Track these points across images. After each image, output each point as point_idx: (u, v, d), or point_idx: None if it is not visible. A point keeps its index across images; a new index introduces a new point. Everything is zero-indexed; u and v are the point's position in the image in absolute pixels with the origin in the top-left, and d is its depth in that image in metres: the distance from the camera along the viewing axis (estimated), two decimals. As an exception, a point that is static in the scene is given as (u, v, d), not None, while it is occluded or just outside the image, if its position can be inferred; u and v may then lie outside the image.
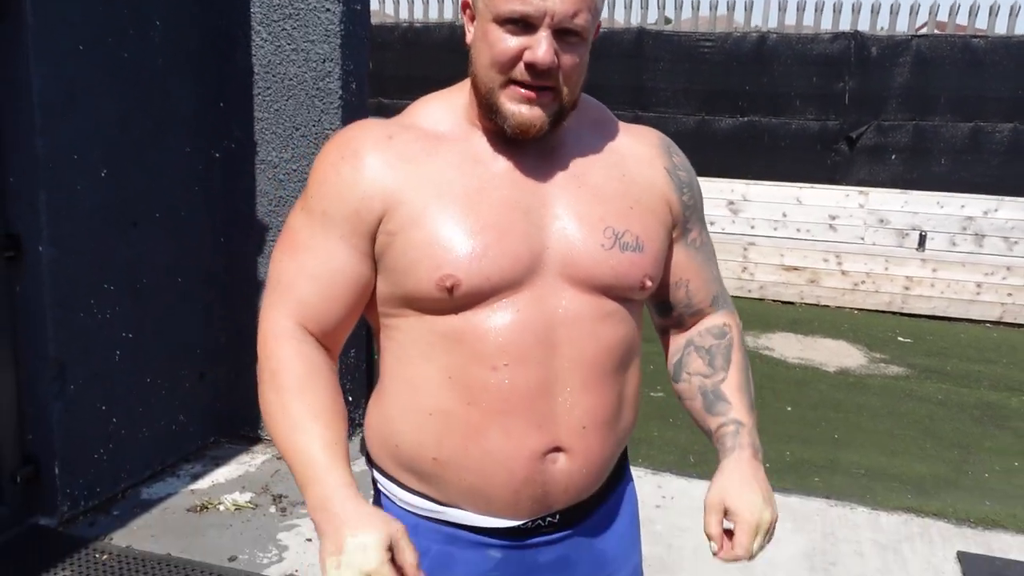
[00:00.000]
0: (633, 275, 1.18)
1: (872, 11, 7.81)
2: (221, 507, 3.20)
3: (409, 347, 1.18)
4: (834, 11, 7.85)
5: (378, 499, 1.29)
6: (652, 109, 8.10)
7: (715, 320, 1.35)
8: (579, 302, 1.16)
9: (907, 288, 6.89)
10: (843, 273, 7.01)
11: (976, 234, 7.21)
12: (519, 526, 1.20)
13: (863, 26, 7.87)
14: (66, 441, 3.01)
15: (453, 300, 1.12)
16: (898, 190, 7.44)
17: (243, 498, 3.27)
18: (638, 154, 1.25)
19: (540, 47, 1.07)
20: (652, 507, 3.36)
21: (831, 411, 4.60)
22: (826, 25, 7.95)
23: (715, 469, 1.24)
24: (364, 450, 1.32)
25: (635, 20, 8.74)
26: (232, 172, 3.64)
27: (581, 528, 1.26)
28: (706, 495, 1.22)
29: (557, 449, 1.17)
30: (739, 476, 1.20)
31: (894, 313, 6.89)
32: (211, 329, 3.72)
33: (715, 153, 7.93)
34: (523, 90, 1.10)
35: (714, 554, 1.20)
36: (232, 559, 2.85)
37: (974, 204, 7.24)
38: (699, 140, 8.00)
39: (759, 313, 6.67)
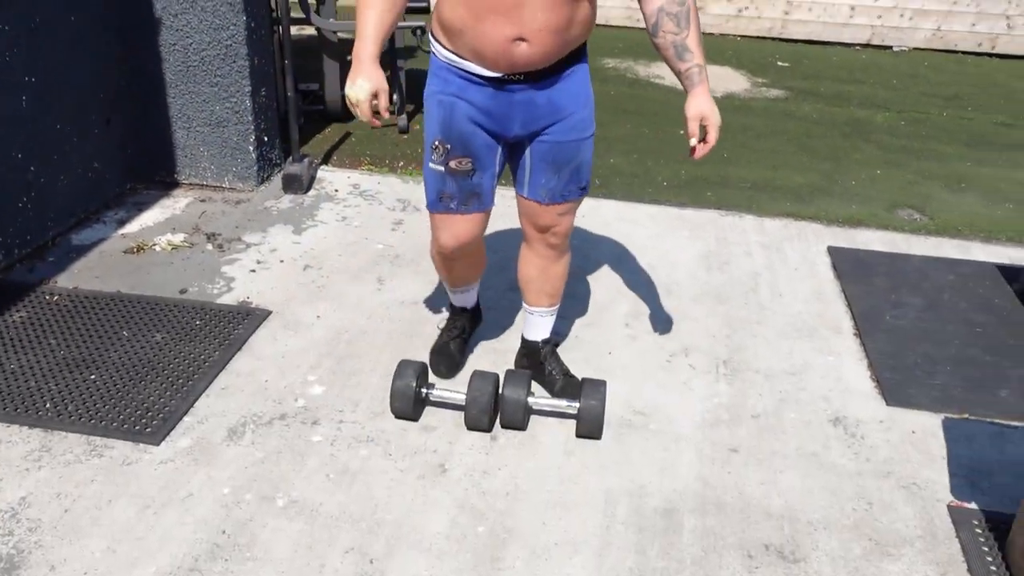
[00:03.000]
0: None
1: None
2: (157, 248, 3.30)
3: None
4: None
5: (431, 54, 2.16)
6: None
7: None
8: None
9: (787, 13, 7.11)
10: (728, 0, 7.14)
11: (853, -44, 7.38)
12: (500, 76, 2.05)
13: None
14: (-12, 191, 2.99)
15: None
16: (782, -89, 7.43)
17: (177, 238, 3.36)
18: None
19: None
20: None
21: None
22: None
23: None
24: (429, 29, 2.17)
25: None
26: None
27: (540, 85, 2.09)
28: (687, 110, 2.02)
29: (521, 39, 1.94)
30: (706, 97, 2.02)
31: (773, 39, 7.15)
32: (111, 72, 3.59)
33: None
34: None
35: (692, 151, 2.05)
36: (183, 291, 3.01)
37: (853, -75, 7.34)
38: None
39: (648, 44, 6.79)
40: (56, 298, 2.92)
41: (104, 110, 3.58)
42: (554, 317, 2.61)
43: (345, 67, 4.58)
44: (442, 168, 2.18)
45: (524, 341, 2.66)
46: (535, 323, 2.59)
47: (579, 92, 2.18)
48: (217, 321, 2.82)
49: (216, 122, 3.73)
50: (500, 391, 2.38)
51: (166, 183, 3.85)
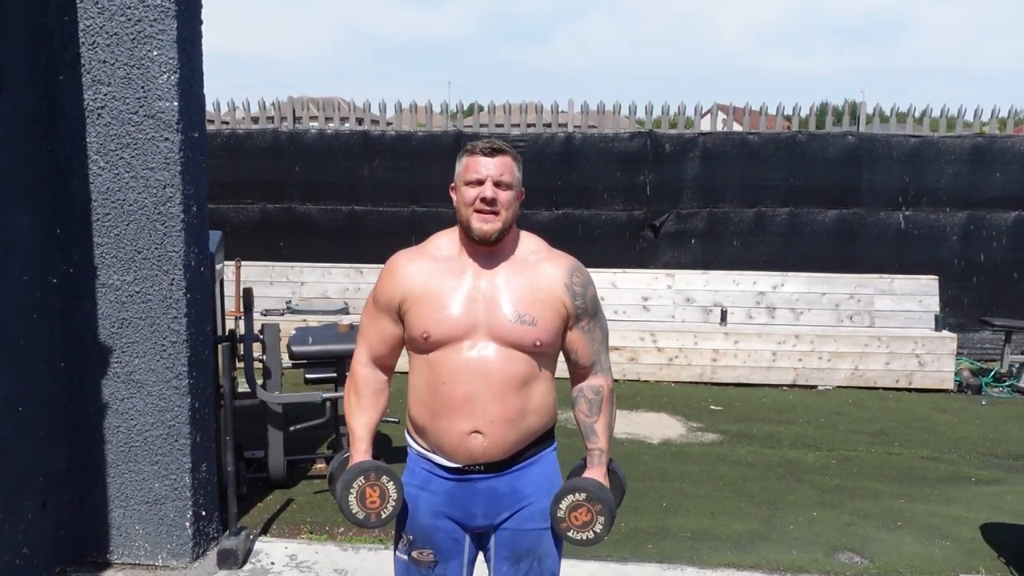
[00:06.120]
0: (527, 338, 2.11)
1: (663, 111, 8.71)
2: (76, 639, 3.15)
3: (415, 368, 2.20)
4: (630, 111, 8.69)
5: (407, 447, 2.32)
6: (474, 205, 8.58)
7: (594, 381, 2.24)
8: (494, 350, 2.10)
9: (715, 360, 7.59)
10: (659, 350, 7.64)
11: (768, 307, 8.07)
12: (461, 467, 2.17)
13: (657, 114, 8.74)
14: (-96, 589, 2.90)
15: (427, 344, 2.12)
16: (699, 271, 8.24)
17: (99, 627, 3.22)
18: (549, 274, 2.17)
19: (487, 190, 2.08)
20: None
21: (658, 480, 5.04)
22: (625, 119, 8.77)
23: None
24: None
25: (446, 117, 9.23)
26: (71, 297, 3.67)
27: (502, 475, 2.18)
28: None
29: (476, 432, 2.12)
30: (597, 477, 2.19)
31: (705, 383, 7.56)
32: (53, 456, 3.66)
33: (535, 244, 8.48)
34: (480, 213, 2.09)
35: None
36: None
37: (764, 280, 8.13)
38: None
39: (587, 392, 7.12)
40: None
41: (41, 494, 3.59)
42: None
43: (288, 436, 4.71)
44: (405, 557, 2.26)
45: None
46: None
47: (542, 480, 2.21)
48: None
49: (154, 500, 3.75)
50: None
51: (97, 564, 3.76)
